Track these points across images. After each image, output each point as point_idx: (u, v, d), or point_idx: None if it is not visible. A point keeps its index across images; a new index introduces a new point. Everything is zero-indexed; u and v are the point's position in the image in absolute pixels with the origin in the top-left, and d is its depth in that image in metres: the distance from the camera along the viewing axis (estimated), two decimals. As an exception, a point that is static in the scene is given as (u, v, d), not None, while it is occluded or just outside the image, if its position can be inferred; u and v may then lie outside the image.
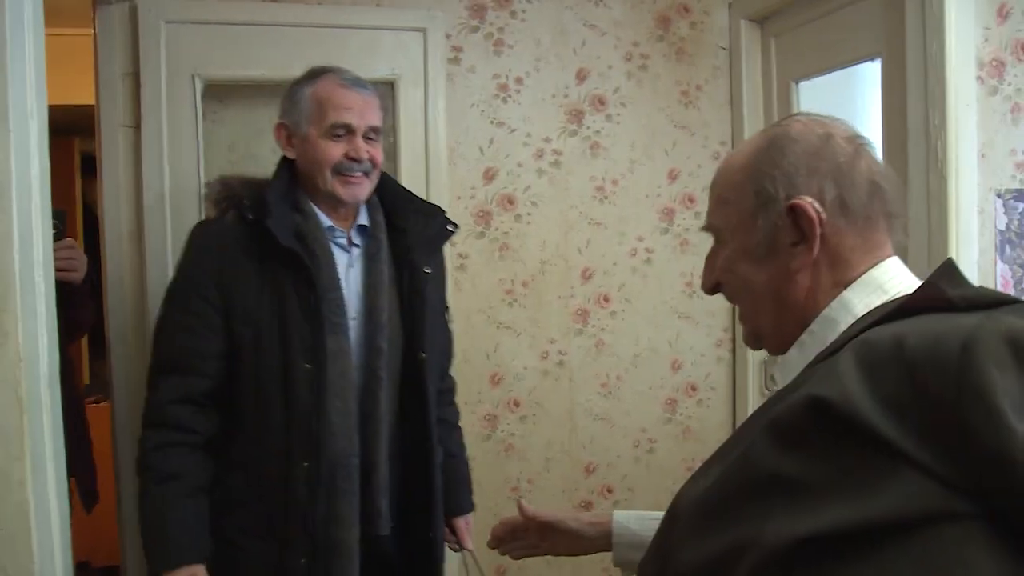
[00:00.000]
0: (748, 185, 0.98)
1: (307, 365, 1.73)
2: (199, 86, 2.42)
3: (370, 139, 1.85)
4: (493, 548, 1.51)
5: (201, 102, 2.45)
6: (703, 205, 2.87)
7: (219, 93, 2.54)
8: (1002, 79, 2.24)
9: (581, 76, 2.81)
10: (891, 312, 0.83)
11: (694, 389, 3.01)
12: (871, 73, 2.56)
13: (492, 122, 2.73)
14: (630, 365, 2.92)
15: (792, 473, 0.74)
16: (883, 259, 0.96)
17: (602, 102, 2.85)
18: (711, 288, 1.10)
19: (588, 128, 2.83)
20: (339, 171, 1.80)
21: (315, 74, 1.87)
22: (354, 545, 1.76)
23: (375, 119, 1.86)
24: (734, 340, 3.05)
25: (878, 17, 2.44)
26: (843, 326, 0.92)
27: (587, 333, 2.88)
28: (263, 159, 2.54)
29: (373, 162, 1.85)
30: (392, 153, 2.56)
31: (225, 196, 1.83)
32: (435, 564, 1.94)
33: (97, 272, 2.25)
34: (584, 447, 2.89)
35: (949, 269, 0.85)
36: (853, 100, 2.83)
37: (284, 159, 1.90)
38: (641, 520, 1.39)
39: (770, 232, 0.96)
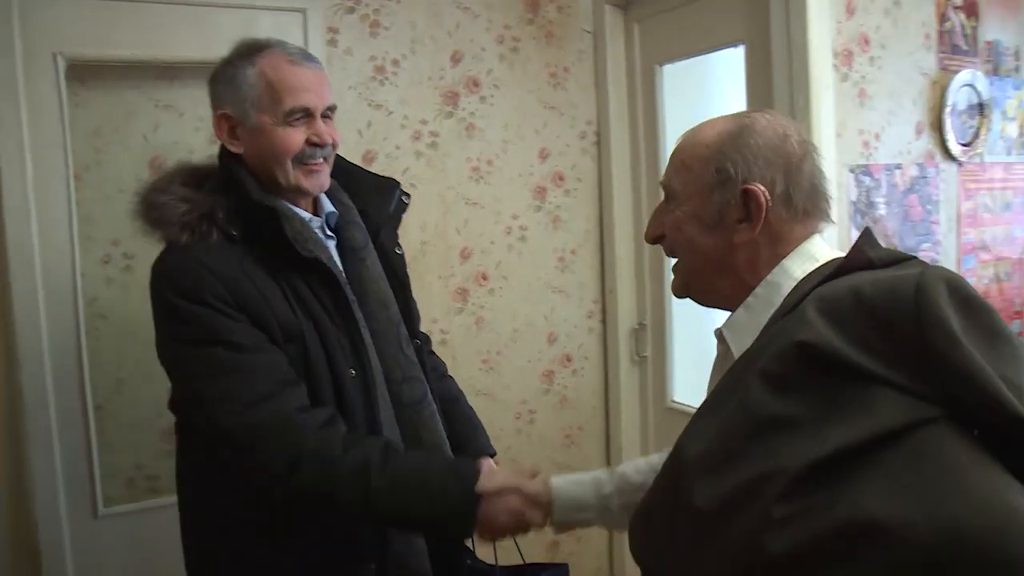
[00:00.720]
0: (712, 162, 1.12)
1: (352, 371, 1.57)
2: (62, 65, 2.25)
3: (327, 118, 1.61)
4: None
5: (65, 83, 2.27)
6: (572, 183, 3.04)
7: (81, 74, 2.37)
8: (851, 67, 2.46)
9: (456, 58, 2.86)
10: (833, 272, 0.99)
11: (569, 360, 3.15)
12: (728, 59, 2.74)
13: (370, 105, 2.72)
14: (509, 340, 3.02)
15: (790, 413, 0.86)
16: (811, 236, 1.14)
17: (476, 84, 2.91)
18: (654, 239, 1.23)
19: (463, 110, 2.88)
20: (301, 160, 1.56)
21: (251, 50, 1.58)
22: (423, 542, 1.68)
23: (330, 96, 1.62)
24: (604, 311, 3.21)
25: (740, 6, 2.62)
26: (786, 289, 1.07)
27: (467, 311, 2.95)
28: (133, 146, 2.46)
29: (334, 144, 1.63)
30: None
31: (200, 216, 1.52)
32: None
33: None
34: (468, 422, 2.97)
35: (869, 237, 1.02)
36: (712, 84, 3.01)
37: (227, 154, 1.61)
38: (577, 483, 1.56)
39: (722, 206, 1.12)
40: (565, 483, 1.56)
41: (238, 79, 1.56)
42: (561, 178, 3.10)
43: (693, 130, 1.20)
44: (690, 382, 3.03)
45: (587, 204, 3.17)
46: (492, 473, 1.56)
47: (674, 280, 1.24)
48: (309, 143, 1.56)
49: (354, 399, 1.55)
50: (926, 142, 2.70)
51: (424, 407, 1.69)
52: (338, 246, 1.68)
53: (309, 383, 1.52)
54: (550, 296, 3.10)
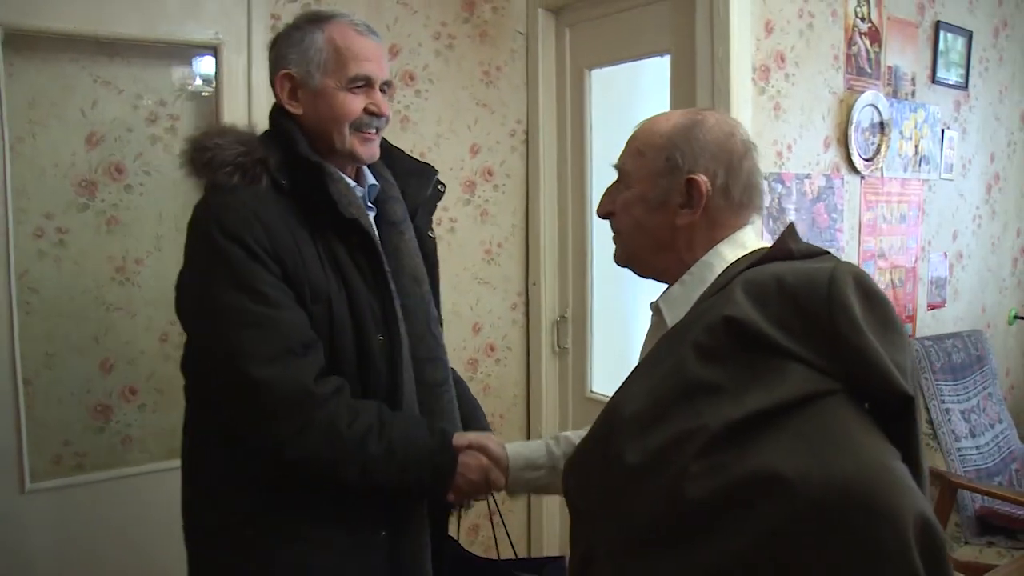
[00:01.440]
0: (663, 151, 1.23)
1: (380, 337, 1.57)
2: None
3: (383, 92, 1.63)
4: None
5: (1, 53, 2.24)
6: (500, 179, 3.16)
7: (15, 43, 2.32)
8: (768, 82, 2.64)
9: (393, 51, 2.92)
10: (759, 259, 1.15)
11: (493, 349, 3.26)
12: (654, 68, 2.89)
13: (309, 91, 2.76)
14: (435, 328, 3.10)
15: (715, 379, 1.01)
16: (743, 226, 1.25)
17: (412, 78, 2.99)
18: (605, 214, 1.33)
19: (399, 103, 2.94)
20: (358, 127, 1.58)
21: (320, 18, 1.60)
22: (424, 512, 1.69)
23: (387, 71, 1.64)
24: (527, 303, 3.32)
25: (667, 19, 2.77)
26: (718, 269, 1.20)
27: (396, 298, 3.01)
28: (70, 120, 2.44)
29: (387, 117, 1.64)
30: (215, 120, 2.53)
31: (253, 159, 1.52)
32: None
33: None
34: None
35: (792, 231, 1.17)
36: (638, 91, 3.17)
37: (282, 114, 1.62)
38: (527, 447, 1.67)
39: (667, 191, 1.22)
40: (518, 445, 1.67)
41: (306, 42, 1.57)
42: (490, 173, 3.21)
43: (650, 120, 1.30)
44: (609, 373, 3.17)
45: (514, 199, 3.28)
46: (460, 433, 1.63)
47: (616, 250, 1.34)
48: (367, 111, 1.58)
49: (380, 366, 1.57)
50: (833, 155, 2.91)
51: (445, 390, 1.71)
52: (377, 219, 1.68)
53: (332, 346, 1.52)
54: (476, 287, 3.20)
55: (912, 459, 0.97)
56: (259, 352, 1.43)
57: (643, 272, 1.33)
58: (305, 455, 1.46)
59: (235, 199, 1.48)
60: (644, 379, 1.12)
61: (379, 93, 1.61)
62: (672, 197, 1.22)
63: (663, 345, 1.16)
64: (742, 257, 1.20)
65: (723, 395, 0.99)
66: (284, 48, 1.60)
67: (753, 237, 1.26)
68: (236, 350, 1.44)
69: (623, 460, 1.04)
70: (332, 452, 1.47)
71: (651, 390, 1.07)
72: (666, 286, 1.29)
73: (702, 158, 1.21)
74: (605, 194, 1.33)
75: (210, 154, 1.51)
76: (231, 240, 1.45)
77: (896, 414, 0.99)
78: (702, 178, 1.20)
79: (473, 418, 1.85)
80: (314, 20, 1.60)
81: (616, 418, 1.10)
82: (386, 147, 1.76)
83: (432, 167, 1.84)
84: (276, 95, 1.61)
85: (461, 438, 1.60)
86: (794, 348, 0.98)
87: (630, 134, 1.31)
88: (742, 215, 1.25)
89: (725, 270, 1.19)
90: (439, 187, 1.84)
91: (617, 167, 1.31)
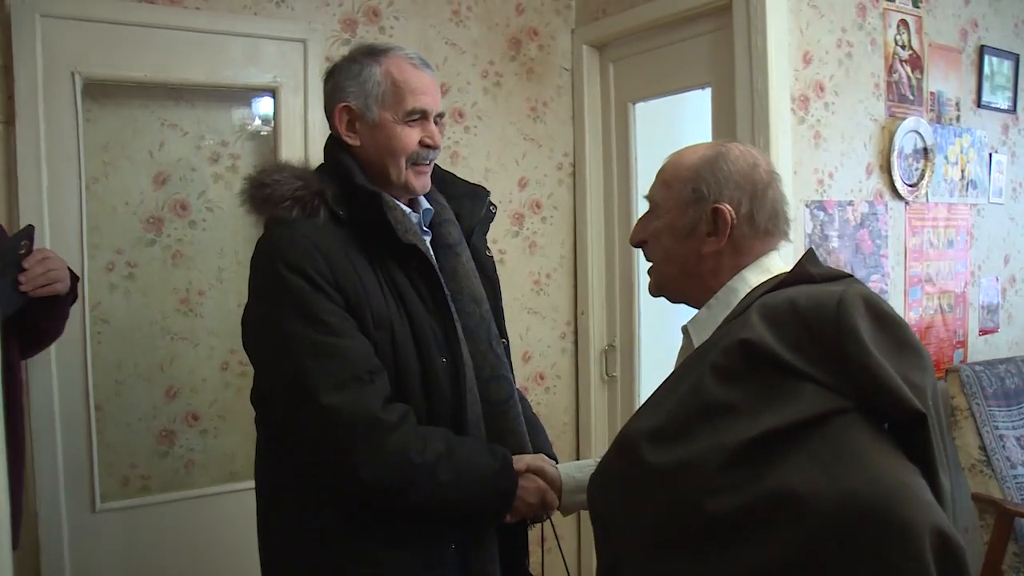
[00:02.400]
0: (690, 182, 1.29)
1: (443, 359, 1.59)
2: (79, 83, 2.41)
3: (436, 123, 1.66)
4: None
5: (81, 100, 2.42)
6: (548, 211, 3.24)
7: (92, 91, 2.53)
8: (807, 111, 2.69)
9: (444, 90, 3.04)
10: (778, 284, 1.20)
11: (542, 378, 3.32)
12: (696, 100, 2.96)
13: (362, 130, 2.89)
14: (485, 357, 3.17)
15: (731, 399, 1.07)
16: (768, 252, 1.30)
17: (461, 115, 3.10)
18: (637, 243, 1.39)
19: (449, 139, 3.05)
20: (414, 161, 1.62)
21: (376, 51, 1.64)
22: (494, 527, 1.69)
23: (440, 103, 1.68)
24: (576, 332, 3.39)
25: (707, 53, 2.84)
26: (742, 294, 1.25)
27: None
28: (139, 161, 2.61)
29: (439, 149, 1.68)
30: (273, 157, 2.66)
31: (311, 192, 1.56)
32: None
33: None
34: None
35: (811, 255, 1.22)
36: (681, 122, 3.23)
37: (337, 145, 1.65)
38: (579, 468, 1.71)
39: (694, 221, 1.28)
40: (571, 467, 1.72)
41: (364, 75, 1.61)
42: (538, 206, 3.30)
43: (678, 153, 1.35)
44: (655, 400, 3.19)
45: (562, 231, 3.36)
46: (518, 456, 1.65)
47: (650, 281, 1.41)
48: (422, 144, 1.62)
49: (444, 388, 1.59)
50: (876, 181, 2.93)
51: (510, 407, 1.72)
52: (433, 243, 1.71)
53: (397, 369, 1.55)
54: (526, 317, 3.28)
55: (931, 475, 1.01)
56: (327, 380, 1.46)
57: (674, 299, 1.38)
58: (378, 480, 1.48)
59: (295, 232, 1.52)
60: (666, 395, 1.18)
61: (433, 125, 1.64)
62: (699, 226, 1.27)
63: (686, 364, 1.22)
64: (764, 282, 1.25)
65: (739, 415, 1.04)
66: (342, 80, 1.63)
67: (778, 262, 1.30)
68: (304, 379, 1.47)
69: (645, 462, 1.09)
70: (403, 477, 1.49)
71: (671, 406, 1.13)
72: (695, 311, 1.34)
73: (727, 188, 1.27)
74: (637, 224, 1.39)
75: (269, 190, 1.56)
76: (294, 272, 1.48)
77: (912, 431, 1.02)
78: (727, 207, 1.25)
79: (536, 438, 1.85)
80: (371, 53, 1.63)
81: (634, 430, 1.16)
82: (438, 172, 1.79)
83: (484, 188, 1.87)
84: (334, 127, 1.65)
85: (519, 462, 1.63)
86: (807, 369, 1.03)
87: (661, 167, 1.37)
88: (767, 242, 1.30)
89: (748, 294, 1.24)
90: (491, 208, 1.87)
91: (648, 198, 1.37)
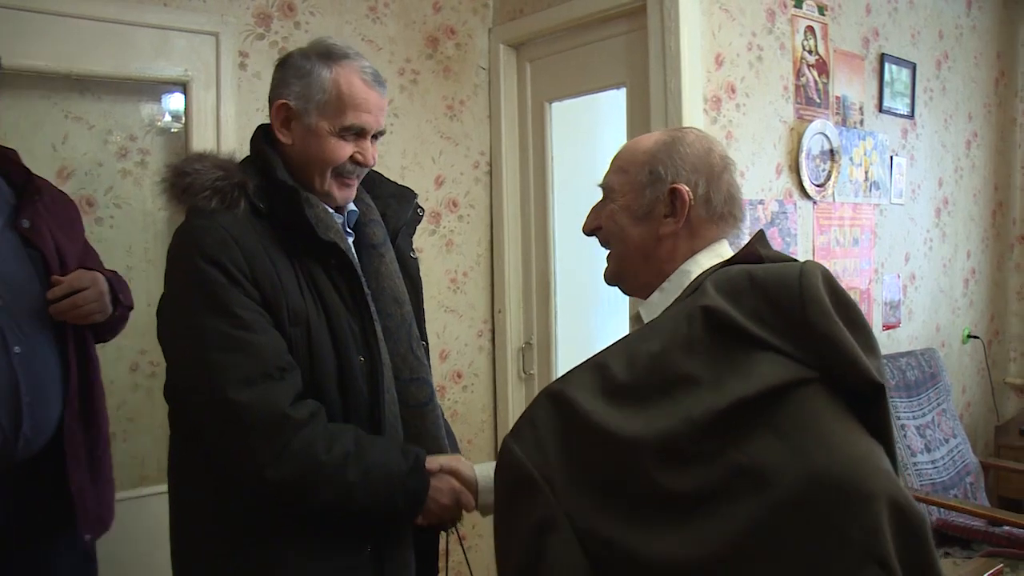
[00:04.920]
0: (646, 165, 1.28)
1: (360, 358, 1.58)
2: None
3: (374, 139, 1.64)
4: None
5: None
6: (465, 209, 3.24)
7: None
8: (719, 112, 2.75)
9: (359, 86, 3.00)
10: (728, 260, 1.20)
11: (460, 376, 3.32)
12: (611, 100, 3.00)
13: (277, 125, 2.84)
14: (403, 356, 3.15)
15: (694, 371, 1.05)
16: (721, 238, 1.30)
17: (378, 111, 3.07)
18: (591, 231, 1.36)
19: (365, 135, 3.02)
20: (340, 173, 1.60)
21: (332, 56, 1.59)
22: (409, 531, 1.66)
23: (384, 121, 1.65)
24: (493, 331, 3.40)
25: (622, 53, 2.89)
26: (693, 276, 1.23)
27: (364, 326, 3.07)
28: (41, 155, 2.49)
29: (372, 164, 1.66)
30: (184, 154, 2.59)
31: (231, 184, 1.53)
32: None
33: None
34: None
35: (761, 237, 1.21)
36: (597, 122, 3.27)
37: (265, 137, 1.62)
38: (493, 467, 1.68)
39: (652, 202, 1.27)
40: (486, 467, 1.66)
41: (312, 77, 1.57)
42: (455, 204, 3.29)
43: (633, 141, 1.35)
44: (573, 397, 3.21)
45: (479, 229, 3.36)
46: (432, 456, 1.62)
47: (607, 268, 1.37)
48: (352, 159, 1.59)
49: (360, 387, 1.58)
50: (785, 181, 3.02)
51: (429, 410, 1.71)
52: (357, 244, 1.70)
53: (313, 367, 1.53)
54: (443, 315, 3.27)
55: (886, 445, 1.03)
56: (235, 375, 1.43)
57: (629, 286, 1.36)
58: (282, 479, 1.45)
59: (213, 223, 1.49)
60: (613, 359, 1.12)
61: (368, 142, 1.61)
62: (656, 207, 1.26)
63: (635, 333, 1.17)
64: (715, 264, 1.24)
65: (701, 386, 1.03)
66: (289, 76, 1.59)
67: (729, 250, 1.30)
68: (211, 373, 1.44)
69: (599, 426, 1.04)
70: (310, 477, 1.46)
71: (621, 372, 1.08)
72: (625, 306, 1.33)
73: (683, 169, 1.26)
74: (591, 212, 1.37)
75: (189, 179, 1.52)
76: (210, 264, 1.46)
77: (869, 402, 1.03)
78: (684, 187, 1.25)
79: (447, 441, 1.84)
80: (326, 56, 1.58)
81: (575, 390, 1.10)
82: (368, 174, 1.75)
83: (412, 190, 1.86)
84: (271, 119, 1.62)
85: (433, 462, 1.60)
86: (768, 338, 1.03)
87: (614, 155, 1.36)
88: (722, 227, 1.29)
89: (699, 275, 1.22)
90: (419, 211, 1.85)
91: (602, 186, 1.35)
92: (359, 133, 1.59)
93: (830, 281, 1.07)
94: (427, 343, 1.80)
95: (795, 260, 1.17)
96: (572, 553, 1.03)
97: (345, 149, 1.58)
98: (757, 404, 1.00)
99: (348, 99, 1.56)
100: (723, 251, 1.28)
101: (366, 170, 1.65)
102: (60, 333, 1.87)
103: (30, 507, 1.84)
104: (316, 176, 1.59)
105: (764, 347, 1.03)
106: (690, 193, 1.25)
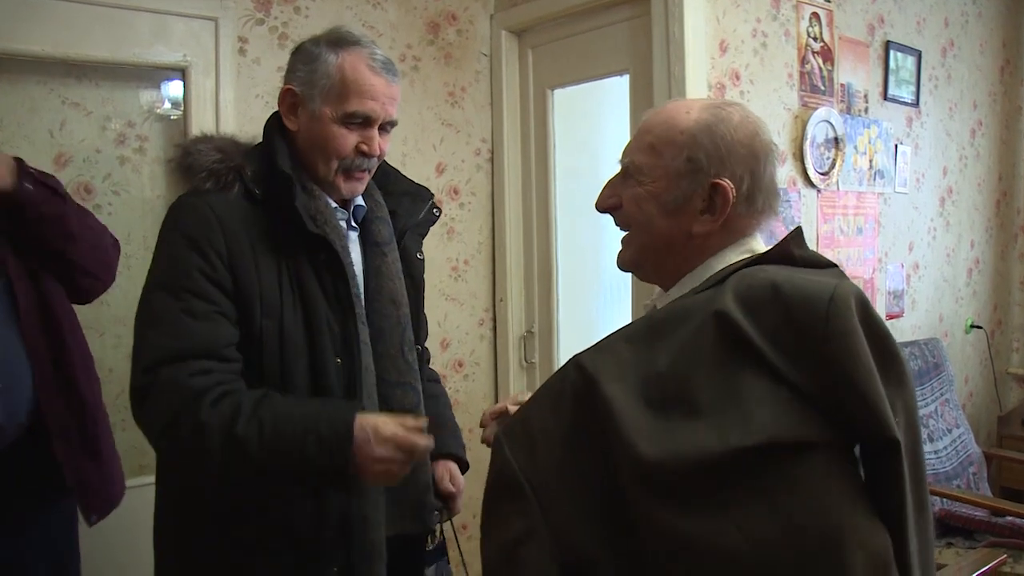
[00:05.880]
0: (685, 150, 1.10)
1: (337, 360, 1.52)
2: None
3: (384, 130, 1.59)
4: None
5: None
6: (467, 197, 3.21)
7: None
8: (723, 98, 2.71)
9: (360, 73, 2.98)
10: (756, 258, 1.06)
11: (461, 365, 3.30)
12: (615, 86, 2.97)
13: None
14: (404, 344, 3.14)
15: (696, 397, 0.93)
16: (754, 232, 1.15)
17: (378, 98, 3.04)
18: (607, 209, 1.20)
19: (366, 122, 3.00)
20: (347, 167, 1.55)
21: (341, 42, 1.55)
22: (383, 545, 1.57)
23: (394, 111, 1.58)
24: (495, 319, 3.38)
25: (625, 40, 2.86)
26: (716, 270, 1.10)
27: (364, 314, 3.06)
28: (38, 141, 2.48)
29: (381, 155, 1.60)
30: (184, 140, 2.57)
31: (228, 167, 1.51)
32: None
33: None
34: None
35: (797, 235, 1.08)
36: (599, 109, 3.25)
37: (278, 124, 1.59)
38: None
39: (687, 194, 1.10)
40: None
41: (318, 62, 1.53)
42: (456, 192, 3.27)
43: (666, 111, 1.16)
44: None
45: (480, 217, 3.34)
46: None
47: (622, 252, 1.21)
48: (358, 150, 1.54)
49: (335, 390, 1.51)
50: (789, 169, 2.99)
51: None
52: (361, 239, 1.65)
53: (283, 363, 1.48)
54: (444, 304, 3.25)
55: (896, 506, 0.94)
56: (156, 355, 1.41)
57: (647, 275, 1.22)
58: (178, 450, 1.44)
59: (201, 202, 1.48)
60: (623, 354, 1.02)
61: (375, 132, 1.55)
62: (692, 201, 1.10)
63: (646, 327, 1.05)
64: (745, 259, 1.10)
65: (701, 416, 0.92)
66: (297, 62, 1.57)
67: (762, 245, 1.15)
68: (141, 349, 1.44)
69: (625, 435, 0.94)
70: (199, 439, 1.38)
71: (631, 376, 0.99)
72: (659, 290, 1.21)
73: (728, 161, 1.09)
74: (607, 187, 1.21)
75: (191, 159, 1.52)
76: (185, 241, 1.45)
77: (883, 456, 0.93)
78: (728, 183, 1.08)
79: (451, 439, 1.83)
80: (334, 42, 1.55)
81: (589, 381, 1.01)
82: (382, 167, 1.72)
83: (427, 189, 1.81)
84: (279, 105, 1.59)
85: (364, 416, 1.45)
86: (781, 365, 0.91)
87: (640, 125, 1.18)
88: (760, 221, 1.15)
89: (721, 269, 1.10)
90: (434, 211, 1.80)
91: (625, 163, 1.18)
92: (364, 122, 1.54)
93: (865, 307, 0.94)
94: (422, 348, 1.76)
95: (834, 266, 1.06)
96: (546, 571, 0.96)
97: (348, 139, 1.53)
98: (752, 458, 0.89)
99: (352, 85, 1.51)
100: (755, 246, 1.14)
101: (376, 162, 1.60)
102: (13, 307, 1.77)
103: (17, 490, 1.80)
104: (320, 166, 1.55)
105: (775, 376, 0.91)
106: (734, 191, 1.09)
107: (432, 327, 3.18)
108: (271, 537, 1.49)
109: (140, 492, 2.48)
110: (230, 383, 1.43)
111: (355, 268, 1.59)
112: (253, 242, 1.48)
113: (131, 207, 2.62)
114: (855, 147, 3.29)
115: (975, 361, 4.26)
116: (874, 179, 3.43)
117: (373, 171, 1.63)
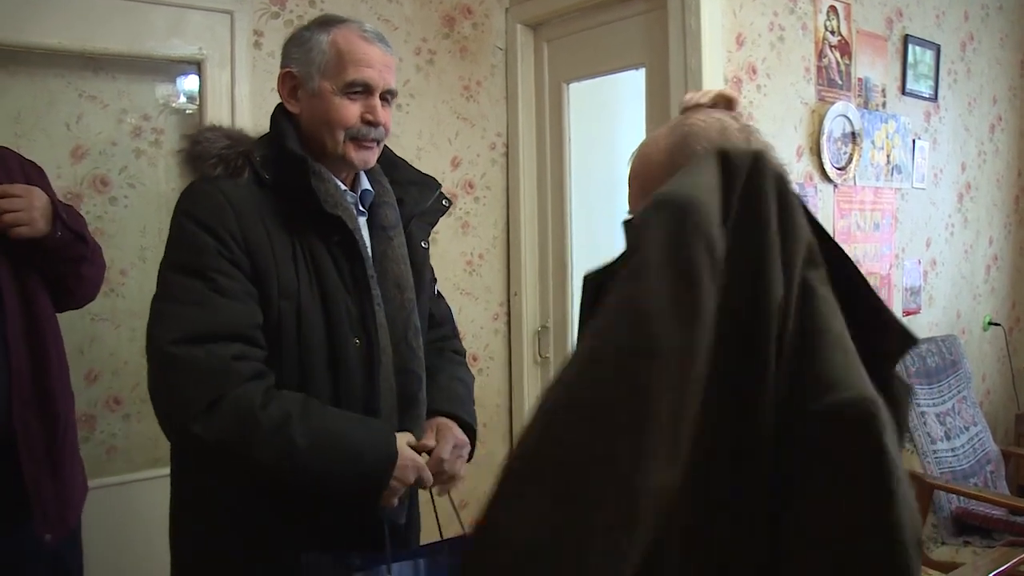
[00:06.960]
0: (666, 179, 1.06)
1: (356, 340, 1.53)
2: None
3: (385, 101, 1.61)
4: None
5: None
6: (481, 191, 3.22)
7: (2, 59, 2.39)
8: (740, 93, 2.71)
9: (375, 66, 2.98)
10: None
11: (475, 359, 3.29)
12: (630, 80, 2.96)
13: (291, 105, 2.82)
14: (418, 338, 3.14)
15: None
16: None
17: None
18: None
19: (381, 116, 3.00)
20: (355, 136, 1.56)
21: (330, 22, 1.59)
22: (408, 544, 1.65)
23: (392, 80, 1.61)
24: (509, 314, 3.37)
25: (641, 33, 2.84)
26: None
27: (379, 308, 3.06)
28: (55, 134, 2.48)
29: (386, 128, 1.61)
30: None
31: (237, 152, 1.53)
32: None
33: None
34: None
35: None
36: (615, 103, 3.23)
37: (283, 112, 1.62)
38: None
39: None
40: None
41: (311, 43, 1.56)
42: (471, 186, 3.26)
43: (640, 154, 1.17)
44: (589, 381, 3.20)
45: (495, 211, 3.33)
46: (401, 434, 1.55)
47: None
48: (363, 120, 1.56)
49: (354, 371, 1.53)
50: (806, 164, 2.98)
51: (416, 404, 1.66)
52: (368, 224, 1.67)
53: (301, 344, 1.49)
54: (458, 298, 3.24)
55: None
56: (186, 328, 1.41)
57: None
58: (212, 436, 1.39)
59: (212, 187, 1.50)
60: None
61: (377, 100, 1.58)
62: None
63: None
64: None
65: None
66: (291, 47, 1.61)
67: None
68: (164, 321, 1.43)
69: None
70: (245, 433, 1.38)
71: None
72: None
73: None
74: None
75: (199, 148, 1.54)
76: (200, 227, 1.46)
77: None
78: None
79: (465, 404, 1.83)
80: (323, 23, 1.59)
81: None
82: (390, 157, 1.76)
83: (434, 179, 1.82)
84: (278, 91, 1.62)
85: (400, 439, 1.52)
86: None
87: (628, 177, 1.18)
88: None
89: None
90: (443, 201, 1.81)
91: (631, 212, 1.17)
92: (365, 90, 1.56)
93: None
94: (452, 332, 1.79)
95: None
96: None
97: (352, 108, 1.55)
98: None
99: (348, 55, 1.55)
100: None
101: (383, 132, 1.61)
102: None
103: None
104: (328, 140, 1.56)
105: None
106: None
107: (446, 321, 3.18)
108: (293, 529, 1.50)
109: (155, 484, 2.51)
110: (268, 376, 1.45)
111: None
112: (267, 225, 1.49)
113: (147, 200, 2.62)
114: (872, 142, 3.27)
115: (993, 358, 4.22)
116: (891, 174, 3.40)
117: (381, 144, 1.64)
